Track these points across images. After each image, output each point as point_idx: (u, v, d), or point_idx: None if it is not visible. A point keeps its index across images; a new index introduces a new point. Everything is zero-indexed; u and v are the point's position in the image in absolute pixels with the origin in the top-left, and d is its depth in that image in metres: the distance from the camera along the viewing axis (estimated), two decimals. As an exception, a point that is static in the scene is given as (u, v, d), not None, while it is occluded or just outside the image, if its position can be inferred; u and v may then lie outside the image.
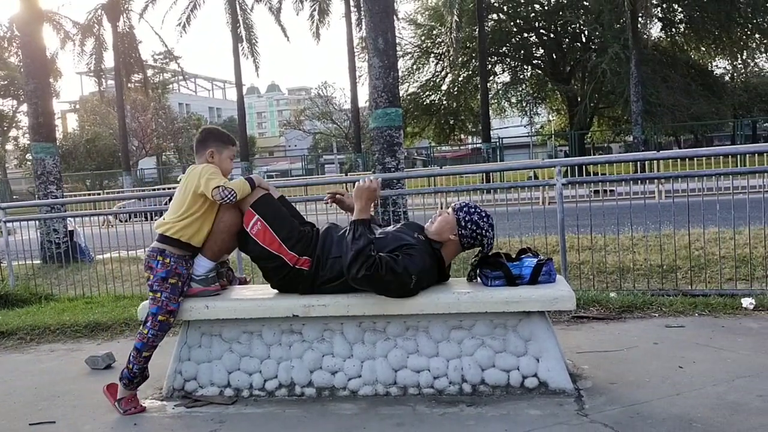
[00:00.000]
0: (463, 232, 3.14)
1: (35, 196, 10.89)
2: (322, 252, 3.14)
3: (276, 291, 3.32)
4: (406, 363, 3.11)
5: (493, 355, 3.04)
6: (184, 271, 3.17)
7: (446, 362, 3.08)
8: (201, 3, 29.35)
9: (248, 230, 3.13)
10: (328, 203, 3.50)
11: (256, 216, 3.12)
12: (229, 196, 3.04)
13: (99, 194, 24.80)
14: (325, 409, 3.02)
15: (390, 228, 3.29)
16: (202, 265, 3.24)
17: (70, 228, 9.47)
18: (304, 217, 3.43)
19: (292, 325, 3.22)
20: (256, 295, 3.31)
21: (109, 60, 29.52)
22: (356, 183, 3.16)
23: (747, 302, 4.34)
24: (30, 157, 13.29)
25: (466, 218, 3.15)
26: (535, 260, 3.15)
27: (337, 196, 3.45)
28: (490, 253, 3.22)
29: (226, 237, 3.20)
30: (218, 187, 3.04)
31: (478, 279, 3.24)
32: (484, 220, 3.16)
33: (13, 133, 45.35)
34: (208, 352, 3.29)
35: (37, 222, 9.36)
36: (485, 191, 9.12)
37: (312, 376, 3.18)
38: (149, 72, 36.20)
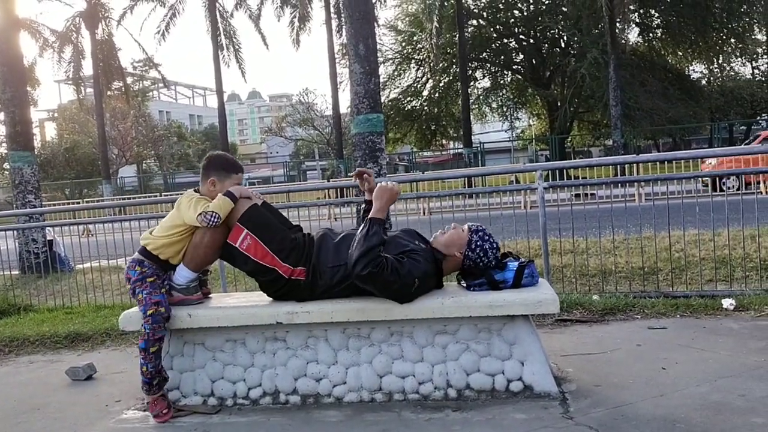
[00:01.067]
0: (470, 254, 3.15)
1: (13, 206, 10.74)
2: (318, 261, 3.09)
3: (259, 298, 3.29)
4: (391, 369, 3.10)
5: (478, 360, 3.05)
6: (161, 274, 3.17)
7: (431, 367, 3.07)
8: (180, 10, 29.27)
9: (238, 245, 3.05)
10: (354, 180, 3.43)
11: (245, 230, 3.06)
12: (212, 219, 3.02)
13: (78, 203, 24.50)
14: (309, 416, 3.00)
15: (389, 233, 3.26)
16: (184, 275, 3.20)
17: (49, 237, 9.36)
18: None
19: (276, 332, 3.20)
20: (239, 302, 3.29)
21: (87, 68, 29.26)
22: (380, 183, 3.12)
23: (727, 303, 4.39)
24: (7, 166, 13.10)
25: (479, 242, 3.15)
26: (516, 263, 3.16)
27: (365, 175, 3.37)
28: None
29: (210, 251, 3.15)
30: (200, 213, 3.02)
31: (462, 283, 3.25)
32: (493, 251, 3.17)
33: (-11, 142, 44.67)
34: (191, 361, 3.26)
35: (15, 232, 9.23)
36: (467, 196, 9.15)
37: (296, 384, 3.16)
38: (129, 79, 35.89)
